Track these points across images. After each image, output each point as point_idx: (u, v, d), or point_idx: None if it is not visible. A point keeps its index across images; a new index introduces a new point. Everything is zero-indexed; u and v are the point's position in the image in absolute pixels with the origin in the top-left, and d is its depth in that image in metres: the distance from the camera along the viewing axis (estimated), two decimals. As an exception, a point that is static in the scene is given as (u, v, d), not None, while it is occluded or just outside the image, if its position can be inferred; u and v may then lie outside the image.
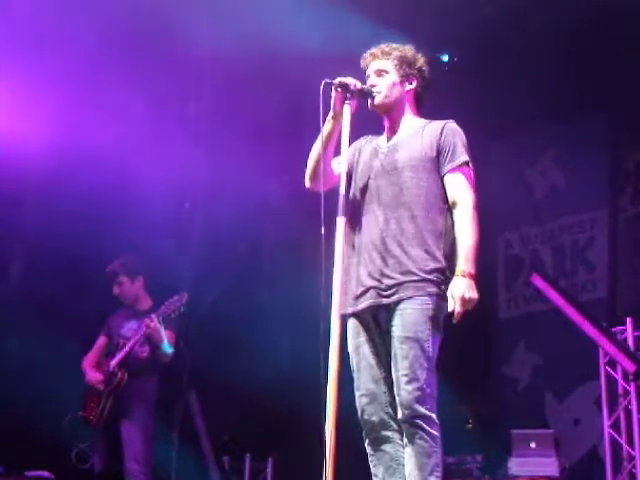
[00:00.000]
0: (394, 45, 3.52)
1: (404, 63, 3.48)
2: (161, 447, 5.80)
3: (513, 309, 8.02)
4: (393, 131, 3.52)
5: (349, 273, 3.38)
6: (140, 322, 5.38)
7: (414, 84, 3.52)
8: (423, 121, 3.52)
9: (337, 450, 2.92)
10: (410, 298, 3.23)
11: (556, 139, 7.84)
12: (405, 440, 3.22)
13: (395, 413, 3.25)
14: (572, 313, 5.97)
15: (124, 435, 5.29)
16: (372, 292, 3.31)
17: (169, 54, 6.53)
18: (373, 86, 3.45)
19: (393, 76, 3.47)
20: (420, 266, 3.26)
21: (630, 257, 7.19)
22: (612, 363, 6.03)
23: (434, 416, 3.19)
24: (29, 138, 6.11)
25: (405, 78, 3.49)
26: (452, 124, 3.44)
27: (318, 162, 3.43)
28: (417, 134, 3.44)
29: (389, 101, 3.47)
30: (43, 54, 6.19)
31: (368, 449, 3.37)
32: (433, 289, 3.25)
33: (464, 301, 3.16)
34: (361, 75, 3.49)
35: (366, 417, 3.34)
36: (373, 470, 3.35)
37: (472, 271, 3.20)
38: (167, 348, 5.35)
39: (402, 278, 3.26)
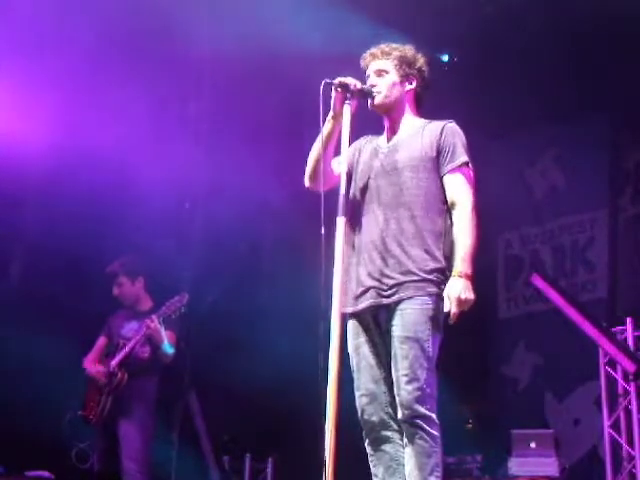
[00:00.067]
0: (394, 45, 3.52)
1: (404, 63, 3.48)
2: (161, 447, 5.80)
3: (513, 309, 8.02)
4: (393, 131, 3.52)
5: (349, 273, 3.38)
6: (141, 323, 5.38)
7: (414, 84, 3.52)
8: (423, 121, 3.52)
9: (337, 450, 2.92)
10: (410, 298, 3.24)
11: (556, 139, 7.84)
12: (405, 440, 3.22)
13: (395, 413, 3.25)
14: (572, 313, 5.97)
15: (122, 434, 5.29)
16: (372, 292, 3.31)
17: (169, 54, 6.53)
18: (373, 86, 3.45)
19: (393, 76, 3.47)
20: (420, 266, 3.26)
21: (630, 257, 7.19)
22: (612, 363, 6.04)
23: (434, 416, 3.19)
24: (29, 138, 6.11)
25: (405, 78, 3.49)
26: (452, 124, 3.44)
27: (318, 162, 3.43)
28: (417, 134, 3.44)
29: (389, 101, 3.47)
30: (43, 54, 6.19)
31: (368, 449, 3.37)
32: (433, 289, 3.25)
33: (460, 302, 3.16)
34: (361, 75, 3.48)
35: (366, 417, 3.34)
36: (373, 470, 3.35)
37: (469, 272, 3.20)
38: (168, 349, 5.35)
39: (402, 278, 3.26)
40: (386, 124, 3.55)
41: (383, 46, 3.52)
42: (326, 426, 2.91)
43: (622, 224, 7.33)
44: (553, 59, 6.59)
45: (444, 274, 3.27)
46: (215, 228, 7.12)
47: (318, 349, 2.97)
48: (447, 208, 3.35)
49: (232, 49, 6.07)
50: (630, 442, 5.84)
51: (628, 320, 6.07)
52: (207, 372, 6.82)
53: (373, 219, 3.37)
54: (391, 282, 3.27)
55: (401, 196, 3.34)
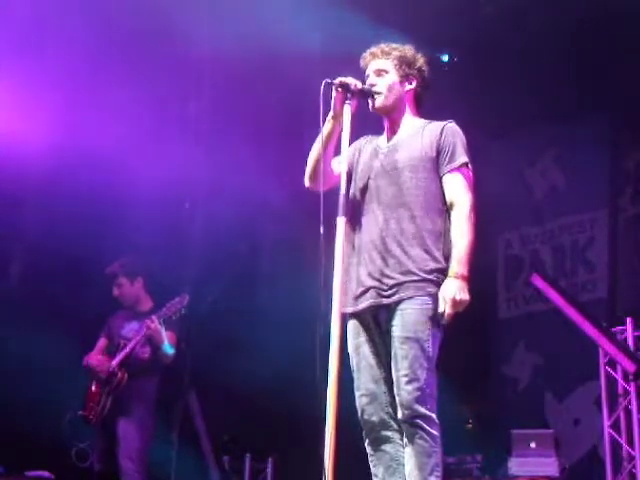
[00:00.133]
0: (394, 45, 3.52)
1: (404, 63, 3.48)
2: (161, 447, 5.80)
3: (513, 309, 8.02)
4: (393, 131, 3.52)
5: (349, 273, 3.38)
6: (141, 323, 5.38)
7: (414, 84, 3.52)
8: (423, 121, 3.52)
9: (337, 450, 2.92)
10: (410, 298, 3.24)
11: (556, 139, 7.84)
12: (405, 440, 3.23)
13: (395, 413, 3.25)
14: (572, 313, 5.97)
15: (120, 433, 5.29)
16: (372, 292, 3.31)
17: (169, 54, 6.53)
18: (373, 85, 3.44)
19: (393, 76, 3.47)
20: (420, 266, 3.26)
21: (630, 257, 7.19)
22: (612, 363, 6.03)
23: (434, 416, 3.19)
24: (29, 138, 6.11)
25: (405, 78, 3.49)
26: (452, 124, 3.44)
27: (318, 162, 3.43)
28: (417, 134, 3.44)
29: (390, 103, 3.47)
30: (43, 54, 6.19)
31: (368, 449, 3.37)
32: (433, 289, 3.25)
33: (455, 303, 3.16)
34: (361, 75, 3.48)
35: (366, 417, 3.34)
36: (373, 470, 3.35)
37: (464, 273, 3.20)
38: (168, 349, 5.35)
39: (402, 278, 3.26)
40: (386, 124, 3.55)
41: (383, 46, 3.52)
42: (326, 426, 2.91)
43: (622, 224, 7.33)
44: (553, 59, 6.58)
45: (444, 274, 3.26)
46: (215, 228, 7.12)
47: (314, 349, 2.96)
48: (447, 208, 3.35)
49: (232, 49, 6.07)
50: (630, 442, 5.83)
51: (628, 320, 6.07)
52: (207, 372, 6.81)
53: (373, 219, 3.37)
54: (391, 282, 3.27)
55: (401, 196, 3.34)
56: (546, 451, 6.03)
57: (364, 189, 3.43)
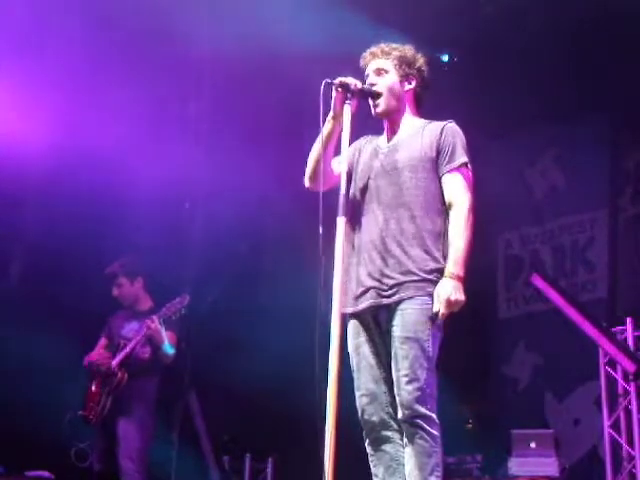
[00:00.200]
0: (394, 45, 3.52)
1: (404, 63, 3.48)
2: (161, 447, 5.80)
3: (513, 309, 8.02)
4: (393, 131, 3.52)
5: (349, 273, 3.38)
6: (141, 323, 5.38)
7: (413, 84, 3.52)
8: (423, 121, 3.52)
9: (337, 450, 2.92)
10: (411, 298, 3.23)
11: (556, 139, 7.84)
12: (405, 440, 3.22)
13: (395, 413, 3.25)
14: (572, 313, 5.97)
15: (121, 433, 5.29)
16: (372, 292, 3.31)
17: (169, 54, 6.53)
18: (373, 85, 3.44)
19: (393, 76, 3.47)
20: (420, 266, 3.26)
21: (630, 257, 7.19)
22: (612, 363, 6.03)
23: (434, 416, 3.19)
24: (29, 138, 6.11)
25: (405, 78, 3.49)
26: (452, 125, 3.43)
27: (318, 162, 3.42)
28: (417, 134, 3.43)
29: (391, 105, 3.47)
30: (43, 54, 6.19)
31: (368, 449, 3.37)
32: (433, 289, 3.24)
33: (449, 303, 3.16)
34: (361, 75, 3.48)
35: (366, 417, 3.34)
36: (373, 470, 3.35)
37: (460, 273, 3.20)
38: (168, 349, 5.35)
39: (402, 278, 3.26)
40: (386, 124, 3.54)
41: (383, 45, 3.52)
42: (326, 426, 2.91)
43: (622, 224, 7.33)
44: (553, 59, 6.59)
45: (443, 274, 3.26)
46: (215, 228, 7.12)
47: (315, 349, 2.96)
48: (446, 208, 3.35)
49: (232, 49, 6.07)
50: (630, 442, 5.83)
51: (628, 320, 6.07)
52: (207, 372, 6.82)
53: (373, 219, 3.37)
54: (391, 282, 3.27)
55: (401, 196, 3.34)
56: (546, 451, 6.03)
57: (364, 189, 3.43)
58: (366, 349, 3.36)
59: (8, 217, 6.42)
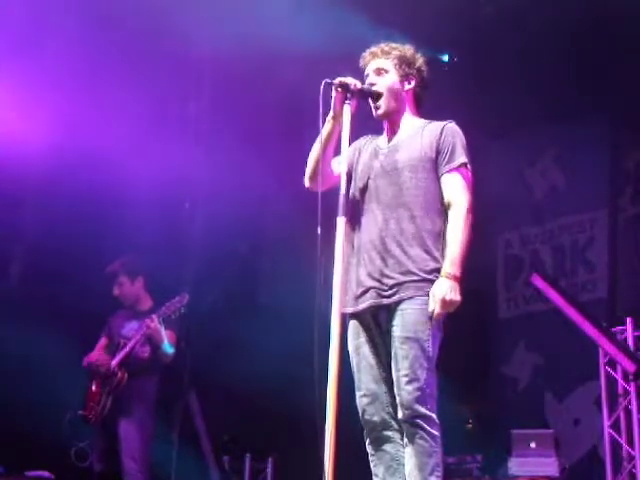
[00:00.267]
0: (393, 45, 3.52)
1: (403, 63, 3.48)
2: (161, 447, 5.80)
3: (513, 309, 8.02)
4: (393, 132, 3.51)
5: (349, 273, 3.37)
6: (141, 322, 5.38)
7: (413, 84, 3.52)
8: (423, 121, 3.51)
9: (337, 450, 2.92)
10: (411, 298, 3.23)
11: (556, 139, 7.84)
12: (405, 440, 3.22)
13: (396, 413, 3.25)
14: (572, 313, 5.97)
15: (122, 433, 5.29)
16: (372, 292, 3.31)
17: (169, 54, 6.53)
18: (372, 85, 3.44)
19: (393, 75, 3.47)
20: (420, 266, 3.26)
21: (630, 257, 7.20)
22: (612, 363, 6.03)
23: (434, 416, 3.19)
24: (29, 138, 6.11)
25: (404, 78, 3.49)
26: (452, 125, 3.43)
27: (318, 162, 3.42)
28: (417, 134, 3.43)
29: (392, 106, 3.46)
30: (43, 54, 6.19)
31: (369, 449, 3.37)
32: (433, 289, 3.24)
33: (444, 303, 3.16)
34: (361, 75, 3.48)
35: (367, 417, 3.34)
36: (374, 470, 3.35)
37: (457, 274, 3.20)
38: (168, 348, 5.35)
39: (402, 278, 3.26)
40: (386, 125, 3.54)
41: (383, 45, 3.52)
42: (326, 426, 2.91)
43: (622, 224, 7.34)
44: (553, 59, 6.59)
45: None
46: (215, 228, 7.12)
47: (314, 349, 2.97)
48: (446, 208, 3.35)
49: (232, 49, 6.07)
50: (630, 442, 5.84)
51: (628, 320, 6.07)
52: (207, 372, 6.82)
53: (372, 219, 3.37)
54: (391, 282, 3.27)
55: (401, 196, 3.34)
56: (546, 451, 6.03)
57: (364, 189, 3.43)
58: (366, 349, 3.36)
59: (8, 217, 6.43)
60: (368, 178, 3.44)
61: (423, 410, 3.16)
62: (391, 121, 3.52)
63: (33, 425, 5.73)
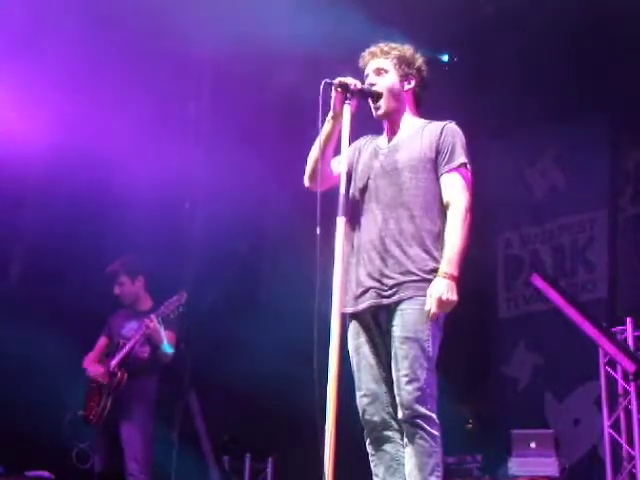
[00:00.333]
0: (393, 44, 3.52)
1: (403, 62, 3.48)
2: (161, 447, 5.80)
3: (513, 309, 8.02)
4: (393, 132, 3.51)
5: (348, 273, 3.37)
6: (140, 322, 5.38)
7: (413, 84, 3.51)
8: (423, 121, 3.51)
9: (337, 450, 2.92)
10: (410, 298, 3.23)
11: (556, 139, 7.84)
12: (405, 440, 3.22)
13: (396, 413, 3.25)
14: (572, 313, 5.97)
15: (124, 435, 5.30)
16: (372, 292, 3.31)
17: (169, 54, 6.53)
18: (372, 85, 3.44)
19: (392, 75, 3.47)
20: (420, 266, 3.26)
21: (630, 257, 7.19)
22: (612, 363, 6.03)
23: (434, 416, 3.19)
24: (29, 138, 6.11)
25: (404, 77, 3.49)
26: (452, 125, 3.43)
27: (317, 162, 3.42)
28: (417, 135, 3.43)
29: (391, 106, 3.46)
30: (43, 54, 6.19)
31: (369, 449, 3.37)
32: (433, 289, 3.24)
33: (441, 302, 3.15)
34: (361, 75, 3.48)
35: (367, 417, 3.34)
36: (374, 470, 3.36)
37: (454, 273, 3.19)
38: (167, 348, 5.35)
39: (402, 278, 3.26)
40: (386, 125, 3.54)
41: (382, 45, 3.51)
42: (326, 426, 2.91)
43: (622, 224, 7.33)
44: (553, 59, 6.58)
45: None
46: (215, 228, 7.12)
47: (314, 349, 2.96)
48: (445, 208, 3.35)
49: (232, 49, 6.07)
50: (630, 442, 5.84)
51: (628, 320, 6.07)
52: (207, 372, 6.82)
53: (372, 219, 3.37)
54: (391, 282, 3.27)
55: (400, 196, 3.34)
56: (546, 451, 6.03)
57: (364, 189, 3.43)
58: (366, 349, 3.36)
59: (8, 217, 6.43)
60: (368, 178, 3.44)
61: (423, 410, 3.16)
62: (391, 121, 3.51)
63: (33, 425, 5.73)
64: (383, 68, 3.47)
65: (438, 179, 3.36)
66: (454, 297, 3.17)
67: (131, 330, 5.47)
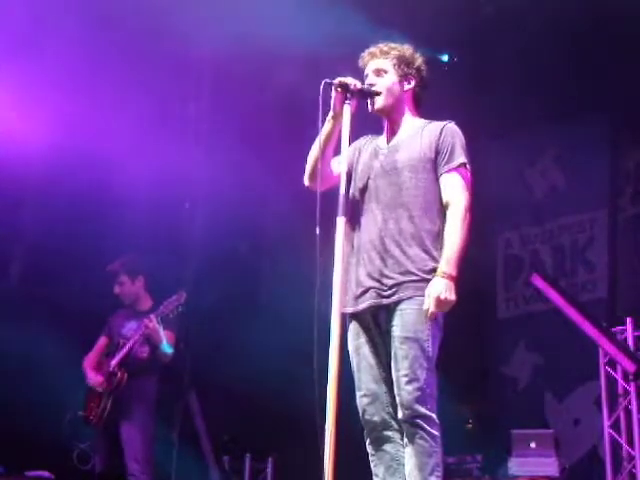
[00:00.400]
0: (392, 44, 3.52)
1: (403, 62, 3.48)
2: (161, 447, 5.80)
3: (513, 309, 8.02)
4: (393, 132, 3.51)
5: (348, 273, 3.37)
6: (140, 322, 5.38)
7: (412, 84, 3.51)
8: (423, 121, 3.51)
9: (337, 449, 2.92)
10: (410, 298, 3.23)
11: (556, 139, 7.84)
12: (405, 440, 3.22)
13: (396, 413, 3.25)
14: (572, 313, 5.97)
15: (124, 435, 5.30)
16: (372, 292, 3.31)
17: (169, 54, 6.54)
18: (372, 85, 3.44)
19: (392, 76, 3.47)
20: (419, 266, 3.26)
21: (630, 257, 7.19)
22: (612, 363, 6.03)
23: (434, 416, 3.19)
24: (29, 138, 6.11)
25: (404, 78, 3.48)
26: (452, 125, 3.43)
27: (317, 162, 3.42)
28: (417, 135, 3.43)
29: (389, 103, 3.46)
30: (43, 54, 6.20)
31: (369, 449, 3.37)
32: (433, 289, 3.24)
33: (439, 302, 3.15)
34: (361, 75, 3.48)
35: (367, 417, 3.34)
36: (374, 470, 3.36)
37: (453, 273, 3.19)
38: (166, 348, 5.35)
39: (402, 278, 3.26)
40: (386, 125, 3.54)
41: (382, 45, 3.51)
42: (326, 426, 2.91)
43: (622, 224, 7.33)
44: (553, 59, 6.59)
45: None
46: (215, 228, 7.12)
47: (314, 349, 2.97)
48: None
49: (232, 49, 6.07)
50: (630, 442, 5.83)
51: (628, 320, 6.07)
52: (207, 372, 6.82)
53: (372, 219, 3.37)
54: (390, 282, 3.27)
55: (400, 196, 3.34)
56: (546, 451, 6.03)
57: (363, 189, 3.43)
58: (366, 350, 3.36)
59: (8, 217, 6.43)
60: (368, 178, 3.44)
61: (423, 410, 3.16)
62: (391, 121, 3.51)
63: (33, 425, 5.74)
64: (382, 68, 3.47)
65: (438, 179, 3.36)
66: (452, 297, 3.17)
67: (131, 330, 5.47)
